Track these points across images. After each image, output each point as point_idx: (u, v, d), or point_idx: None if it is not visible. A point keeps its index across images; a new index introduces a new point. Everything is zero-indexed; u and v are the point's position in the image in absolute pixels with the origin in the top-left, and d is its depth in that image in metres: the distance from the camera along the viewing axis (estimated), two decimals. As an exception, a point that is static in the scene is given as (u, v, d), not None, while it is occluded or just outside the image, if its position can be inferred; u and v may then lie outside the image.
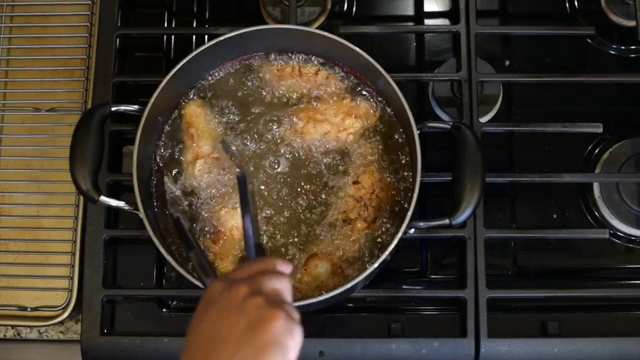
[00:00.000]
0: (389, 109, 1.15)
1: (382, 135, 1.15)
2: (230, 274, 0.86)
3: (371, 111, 1.15)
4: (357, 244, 1.09)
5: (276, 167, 1.14)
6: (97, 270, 1.17)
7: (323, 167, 1.14)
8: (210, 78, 1.18)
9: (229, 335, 0.78)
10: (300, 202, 1.12)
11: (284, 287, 0.83)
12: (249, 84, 1.17)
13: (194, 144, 1.12)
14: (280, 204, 1.12)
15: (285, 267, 0.87)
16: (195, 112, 1.14)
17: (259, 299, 0.79)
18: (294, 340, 0.78)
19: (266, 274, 0.84)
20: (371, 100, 1.16)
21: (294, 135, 1.14)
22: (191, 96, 1.17)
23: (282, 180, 1.13)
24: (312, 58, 1.18)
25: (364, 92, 1.16)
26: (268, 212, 1.12)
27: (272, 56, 1.18)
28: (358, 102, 1.15)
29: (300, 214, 1.12)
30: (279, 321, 0.78)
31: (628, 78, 1.27)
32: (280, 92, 1.17)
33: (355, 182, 1.12)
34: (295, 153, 1.14)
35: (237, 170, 1.10)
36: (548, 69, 1.30)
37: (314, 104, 1.15)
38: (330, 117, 1.14)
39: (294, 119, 1.14)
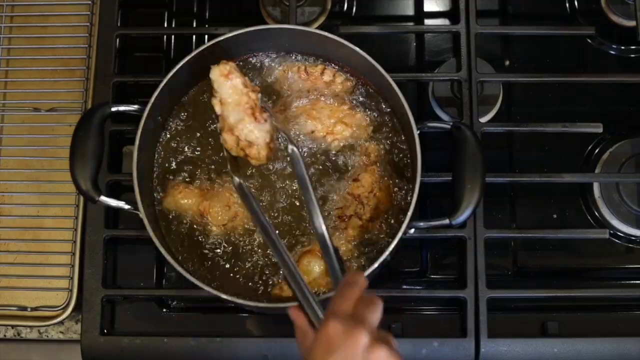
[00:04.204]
0: (387, 109, 1.16)
1: (388, 137, 1.15)
2: (335, 305, 0.87)
3: (364, 124, 1.15)
4: (350, 244, 1.09)
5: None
6: (97, 270, 1.17)
7: (324, 160, 1.14)
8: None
9: None
10: (296, 195, 1.12)
11: (381, 313, 0.87)
12: (255, 82, 1.17)
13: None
14: (274, 195, 1.12)
15: (364, 280, 0.91)
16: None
17: (381, 350, 0.83)
18: None
19: (366, 302, 0.87)
20: (369, 112, 1.16)
21: (285, 122, 1.14)
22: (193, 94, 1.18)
23: (277, 172, 1.13)
24: (312, 58, 1.18)
25: (367, 102, 1.16)
26: (263, 204, 1.12)
27: (275, 56, 1.18)
28: (356, 111, 1.15)
29: (296, 208, 1.12)
30: None
31: (628, 78, 1.27)
32: (285, 87, 1.17)
33: (355, 180, 1.12)
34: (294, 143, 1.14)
35: (291, 147, 1.06)
36: (548, 69, 1.30)
37: (314, 99, 1.15)
38: (323, 117, 1.14)
39: (291, 107, 1.14)
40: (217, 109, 1.06)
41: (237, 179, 1.05)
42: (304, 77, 1.16)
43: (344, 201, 1.11)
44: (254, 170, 1.13)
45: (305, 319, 0.92)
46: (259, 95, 1.07)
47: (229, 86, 1.05)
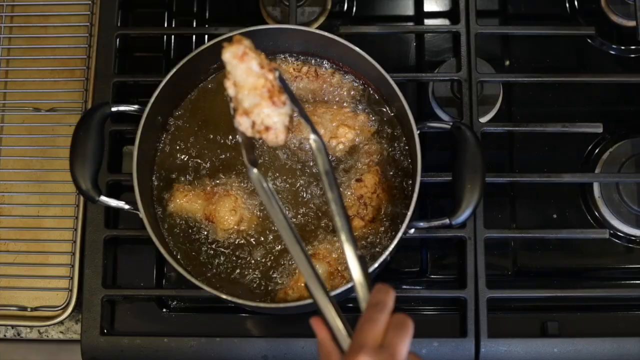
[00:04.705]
0: (392, 113, 1.16)
1: (390, 137, 1.15)
2: (363, 334, 0.81)
3: (368, 125, 1.15)
4: None
5: (268, 159, 1.13)
6: (97, 270, 1.17)
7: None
8: (210, 78, 1.18)
9: None
10: (296, 197, 1.12)
11: (411, 337, 0.82)
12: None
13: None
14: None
15: (393, 296, 0.85)
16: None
17: None
18: None
19: (396, 326, 0.82)
20: (370, 113, 1.16)
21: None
22: (193, 94, 1.18)
23: (277, 173, 1.13)
24: (312, 59, 1.18)
25: (369, 103, 1.16)
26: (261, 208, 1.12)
27: (275, 56, 1.18)
28: (357, 113, 1.15)
29: (298, 210, 1.12)
30: None
31: (628, 78, 1.27)
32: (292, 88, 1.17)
33: (358, 180, 1.11)
34: (292, 145, 1.14)
35: (313, 137, 0.92)
36: (548, 69, 1.30)
37: (316, 104, 1.15)
38: (325, 121, 1.13)
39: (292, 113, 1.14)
40: (231, 91, 0.92)
41: (254, 171, 0.90)
42: (312, 78, 1.16)
43: (346, 201, 1.11)
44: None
45: (329, 333, 0.85)
46: (277, 73, 0.91)
47: (243, 69, 0.91)
